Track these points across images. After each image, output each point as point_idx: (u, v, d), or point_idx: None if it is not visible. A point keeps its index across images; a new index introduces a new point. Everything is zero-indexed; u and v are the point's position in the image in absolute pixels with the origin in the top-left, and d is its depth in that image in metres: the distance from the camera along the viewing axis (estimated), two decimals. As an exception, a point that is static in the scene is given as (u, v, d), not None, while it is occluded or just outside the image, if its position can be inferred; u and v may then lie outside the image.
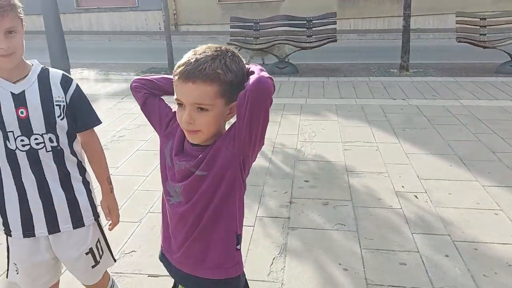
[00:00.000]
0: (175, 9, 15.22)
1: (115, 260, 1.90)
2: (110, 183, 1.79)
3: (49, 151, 1.53)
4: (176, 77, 1.16)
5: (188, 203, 1.24)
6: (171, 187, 1.28)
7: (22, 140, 1.48)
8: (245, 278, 1.39)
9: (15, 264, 1.64)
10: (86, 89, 7.23)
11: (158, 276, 2.44)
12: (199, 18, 15.15)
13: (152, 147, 4.40)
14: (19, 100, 1.48)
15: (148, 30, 15.58)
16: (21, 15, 1.44)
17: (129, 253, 2.66)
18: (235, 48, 1.28)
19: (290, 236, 2.81)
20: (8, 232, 1.60)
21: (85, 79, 7.86)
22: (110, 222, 1.84)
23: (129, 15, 15.93)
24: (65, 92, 1.56)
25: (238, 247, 1.29)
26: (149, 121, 1.40)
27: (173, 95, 1.22)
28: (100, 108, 5.81)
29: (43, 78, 1.55)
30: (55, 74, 1.59)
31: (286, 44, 7.98)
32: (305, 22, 8.04)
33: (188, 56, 1.16)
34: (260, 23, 8.14)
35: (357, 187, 3.45)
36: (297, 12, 9.08)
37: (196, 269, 1.29)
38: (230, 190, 1.22)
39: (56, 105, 1.53)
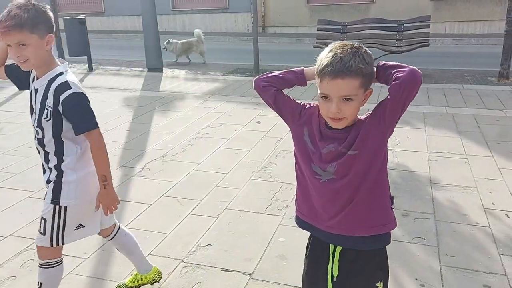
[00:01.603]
0: (264, 11, 15.48)
1: (53, 245, 1.98)
2: (105, 180, 1.92)
3: (37, 139, 1.92)
4: (325, 76, 1.34)
5: (343, 179, 1.43)
6: (317, 168, 1.47)
7: (33, 123, 1.92)
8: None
9: None
10: (175, 87, 7.62)
11: (231, 271, 2.52)
12: (287, 20, 15.26)
13: (233, 145, 4.54)
14: (35, 95, 1.89)
15: (236, 32, 16.04)
16: (33, 31, 1.72)
17: (205, 246, 2.78)
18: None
19: (364, 245, 2.74)
20: None
21: (176, 77, 8.30)
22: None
23: (220, 16, 16.52)
24: (56, 99, 1.81)
25: (392, 206, 1.50)
26: (279, 114, 1.58)
27: (292, 86, 1.54)
28: (187, 106, 6.12)
29: (50, 83, 1.84)
30: (56, 82, 1.83)
31: (375, 48, 7.74)
32: (396, 25, 7.74)
33: (330, 56, 1.34)
34: (348, 26, 8.00)
35: (441, 201, 3.26)
36: (388, 15, 8.78)
37: (357, 230, 1.47)
38: (382, 162, 1.43)
39: (46, 108, 1.84)
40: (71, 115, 1.83)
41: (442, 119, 5.20)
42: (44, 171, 1.97)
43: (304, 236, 1.67)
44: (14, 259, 2.67)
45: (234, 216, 3.14)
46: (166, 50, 9.69)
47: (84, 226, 2.03)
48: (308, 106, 1.54)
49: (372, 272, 1.50)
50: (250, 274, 2.50)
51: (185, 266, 2.58)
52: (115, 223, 2.23)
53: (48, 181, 1.94)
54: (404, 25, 7.69)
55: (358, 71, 1.31)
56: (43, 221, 1.95)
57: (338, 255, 1.50)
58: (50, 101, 1.82)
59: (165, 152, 4.39)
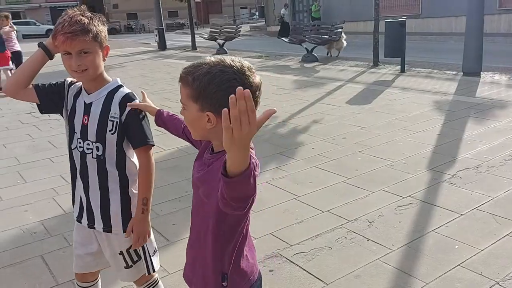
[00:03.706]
0: None
1: (151, 272, 1.88)
2: (145, 204, 1.75)
3: (94, 158, 1.72)
4: None
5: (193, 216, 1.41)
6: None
7: (79, 142, 1.75)
8: None
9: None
10: (495, 94, 6.91)
11: None
12: None
13: None
14: (87, 109, 1.74)
15: None
16: (96, 39, 1.63)
17: None
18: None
19: None
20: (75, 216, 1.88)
21: (496, 83, 7.46)
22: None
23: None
24: (121, 111, 1.71)
25: (224, 284, 1.34)
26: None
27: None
28: (508, 116, 5.42)
29: (111, 95, 1.74)
30: (120, 93, 1.74)
31: None
32: None
33: None
34: None
35: None
36: None
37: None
38: (216, 231, 1.28)
39: (110, 120, 1.71)
40: (133, 128, 1.73)
41: None
42: (87, 198, 1.78)
43: None
44: (330, 232, 3.01)
45: None
46: None
47: (157, 251, 1.93)
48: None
49: None
50: None
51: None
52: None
53: (108, 209, 1.76)
54: None
55: (185, 80, 1.27)
56: (129, 250, 1.82)
57: None
58: (115, 112, 1.71)
59: (479, 163, 4.03)
